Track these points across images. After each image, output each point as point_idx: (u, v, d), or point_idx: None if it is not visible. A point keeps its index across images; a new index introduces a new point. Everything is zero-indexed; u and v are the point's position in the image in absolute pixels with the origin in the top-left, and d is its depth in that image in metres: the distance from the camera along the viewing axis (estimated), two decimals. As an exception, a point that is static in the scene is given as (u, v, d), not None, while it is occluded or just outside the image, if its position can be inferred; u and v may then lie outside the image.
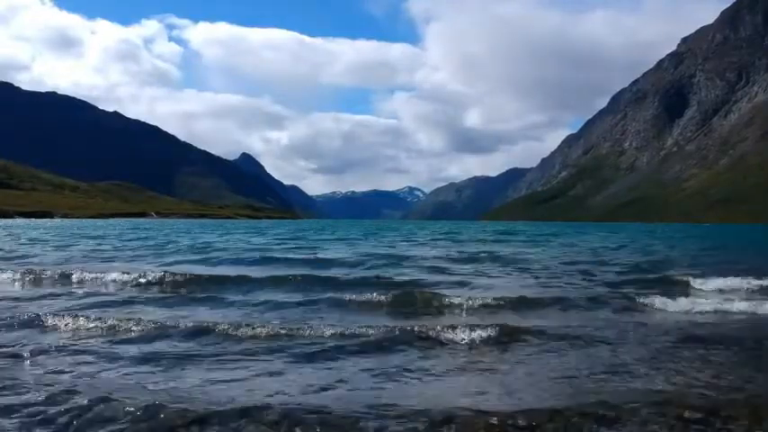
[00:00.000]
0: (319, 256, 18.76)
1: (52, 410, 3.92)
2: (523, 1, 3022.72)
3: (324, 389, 4.59)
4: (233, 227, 70.73)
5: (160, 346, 5.90)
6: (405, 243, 28.96)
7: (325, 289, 10.22)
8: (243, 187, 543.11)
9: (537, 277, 13.02)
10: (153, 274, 11.13)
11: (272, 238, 33.37)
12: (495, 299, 8.82)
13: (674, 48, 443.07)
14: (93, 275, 11.18)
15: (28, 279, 11.21)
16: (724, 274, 11.50)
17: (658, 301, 8.55)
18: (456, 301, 8.67)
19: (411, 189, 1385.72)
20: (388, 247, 25.35)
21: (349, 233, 45.40)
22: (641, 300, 8.86)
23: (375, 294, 9.07)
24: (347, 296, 9.15)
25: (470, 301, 8.58)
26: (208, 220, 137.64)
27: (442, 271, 14.05)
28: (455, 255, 19.90)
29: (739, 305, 8.19)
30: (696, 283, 10.88)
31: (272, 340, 6.16)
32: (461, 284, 11.29)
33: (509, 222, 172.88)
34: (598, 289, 10.64)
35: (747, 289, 10.25)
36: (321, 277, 11.72)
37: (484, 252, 21.34)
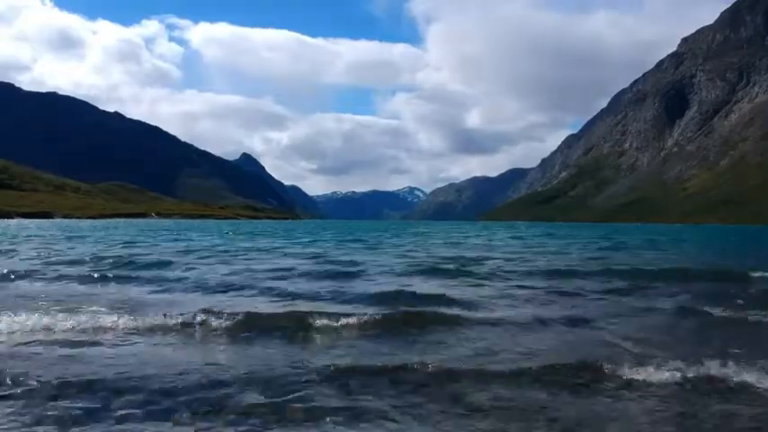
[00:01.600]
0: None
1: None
2: (524, 1, 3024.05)
3: None
4: (206, 227, 70.78)
5: None
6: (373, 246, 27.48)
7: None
8: (243, 188, 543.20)
9: (514, 298, 10.01)
10: None
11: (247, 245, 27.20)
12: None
13: (674, 48, 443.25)
14: None
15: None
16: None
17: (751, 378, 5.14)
18: None
19: (412, 189, 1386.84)
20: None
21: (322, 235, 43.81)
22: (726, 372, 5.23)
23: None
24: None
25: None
26: (207, 221, 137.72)
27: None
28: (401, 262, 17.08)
29: None
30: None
31: None
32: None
33: (509, 222, 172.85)
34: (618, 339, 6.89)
35: None
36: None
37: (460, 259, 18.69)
